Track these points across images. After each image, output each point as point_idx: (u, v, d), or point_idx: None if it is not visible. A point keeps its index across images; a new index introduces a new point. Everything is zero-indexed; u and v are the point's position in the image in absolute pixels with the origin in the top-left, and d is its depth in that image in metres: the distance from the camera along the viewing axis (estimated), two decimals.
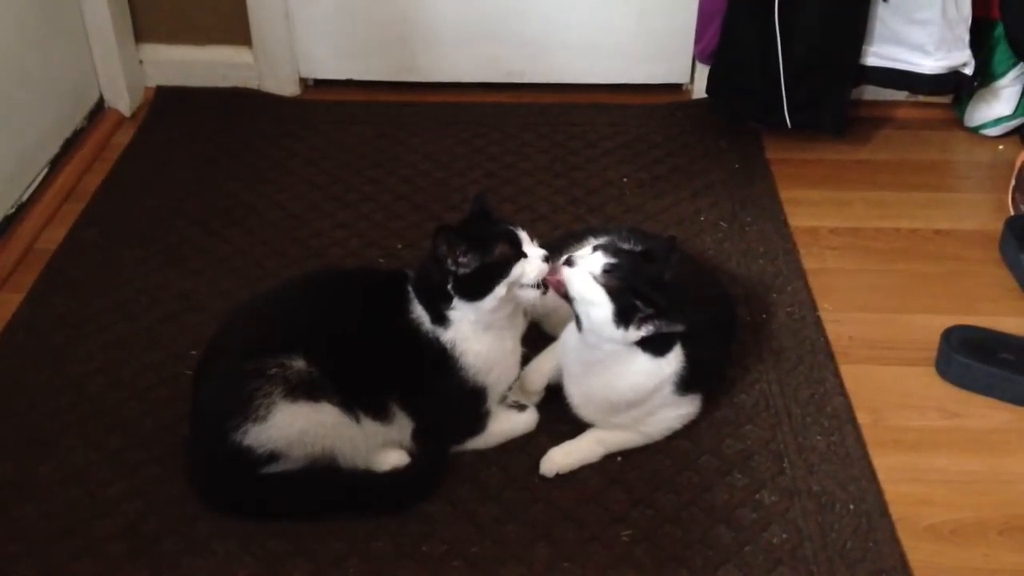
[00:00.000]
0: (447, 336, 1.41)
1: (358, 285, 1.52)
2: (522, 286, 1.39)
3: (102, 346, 1.70)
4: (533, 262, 1.39)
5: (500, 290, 1.38)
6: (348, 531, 1.39)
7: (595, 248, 1.42)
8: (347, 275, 1.65)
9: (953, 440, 1.56)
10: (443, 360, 1.42)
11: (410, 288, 1.44)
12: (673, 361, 1.45)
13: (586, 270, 1.39)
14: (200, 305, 1.78)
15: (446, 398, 1.45)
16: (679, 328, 1.40)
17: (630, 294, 1.37)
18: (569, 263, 1.41)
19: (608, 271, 1.38)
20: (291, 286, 1.58)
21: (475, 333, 1.42)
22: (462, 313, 1.40)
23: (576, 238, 1.68)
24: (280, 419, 1.34)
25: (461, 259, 1.37)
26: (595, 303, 1.38)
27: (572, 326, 1.47)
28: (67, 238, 1.96)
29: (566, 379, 1.51)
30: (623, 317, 1.38)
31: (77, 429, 1.54)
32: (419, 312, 1.42)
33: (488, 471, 1.48)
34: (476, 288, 1.38)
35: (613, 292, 1.37)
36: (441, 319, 1.41)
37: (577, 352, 1.47)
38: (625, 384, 1.44)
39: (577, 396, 1.50)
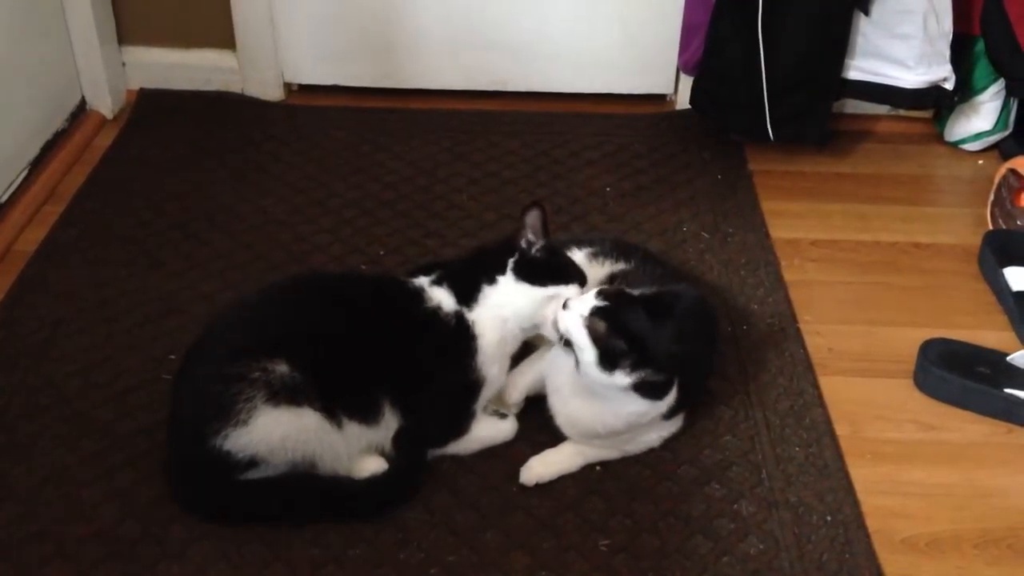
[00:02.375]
0: (471, 315, 1.45)
1: (345, 287, 1.54)
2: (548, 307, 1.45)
3: (80, 348, 1.68)
4: (572, 298, 1.44)
5: (550, 290, 1.45)
6: (325, 538, 1.38)
7: (597, 292, 1.41)
8: (333, 278, 1.67)
9: (930, 453, 1.57)
10: (459, 340, 1.45)
11: (423, 281, 1.49)
12: (665, 401, 1.44)
13: (576, 313, 1.38)
14: (180, 309, 1.77)
15: (444, 388, 1.46)
16: (662, 379, 1.38)
17: (613, 339, 1.36)
18: (565, 306, 1.41)
19: (594, 314, 1.37)
20: (275, 290, 1.58)
21: (494, 322, 1.46)
22: (496, 296, 1.45)
23: (560, 247, 1.68)
24: (262, 424, 1.33)
25: (536, 247, 1.46)
26: (581, 347, 1.38)
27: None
28: (47, 240, 1.95)
29: (552, 396, 1.50)
30: (607, 362, 1.36)
31: (53, 431, 1.53)
32: (438, 296, 1.46)
33: (466, 479, 1.48)
34: (533, 275, 1.46)
35: (595, 336, 1.36)
36: (471, 296, 1.45)
37: (571, 376, 1.45)
38: (615, 419, 1.44)
39: (562, 415, 1.49)
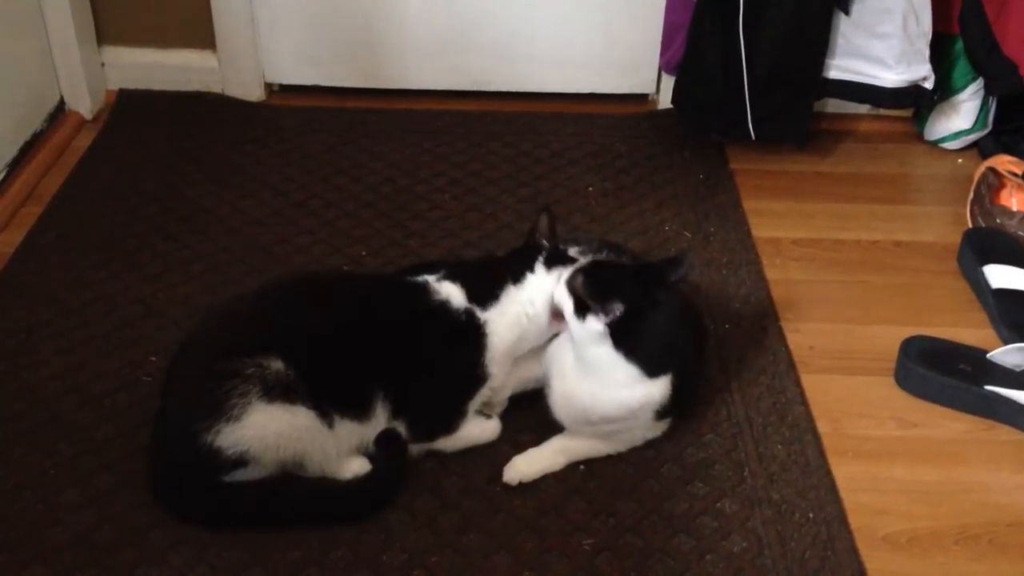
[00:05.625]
0: (484, 314, 1.48)
1: (340, 284, 1.56)
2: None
3: (58, 351, 1.67)
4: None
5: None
6: (306, 540, 1.37)
7: (590, 261, 1.48)
8: (328, 276, 1.70)
9: (911, 450, 1.57)
10: (468, 334, 1.47)
11: (427, 277, 1.51)
12: (660, 388, 1.45)
13: (564, 277, 1.46)
14: (159, 311, 1.76)
15: (443, 381, 1.47)
16: (616, 311, 1.41)
17: (586, 289, 1.41)
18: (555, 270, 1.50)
19: (575, 272, 1.44)
20: (270, 287, 1.59)
21: (513, 320, 1.49)
22: (524, 293, 1.50)
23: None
24: (255, 420, 1.32)
25: (548, 238, 1.54)
26: (564, 303, 1.44)
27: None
28: (24, 242, 1.93)
29: (554, 380, 1.51)
30: (581, 310, 1.42)
31: (30, 435, 1.51)
32: (446, 291, 1.49)
33: (449, 480, 1.47)
34: (564, 263, 1.51)
35: (573, 289, 1.43)
36: (490, 296, 1.49)
37: (574, 356, 1.48)
38: (609, 395, 1.44)
39: (558, 391, 1.49)
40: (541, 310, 1.50)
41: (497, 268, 1.54)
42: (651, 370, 1.43)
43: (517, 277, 1.51)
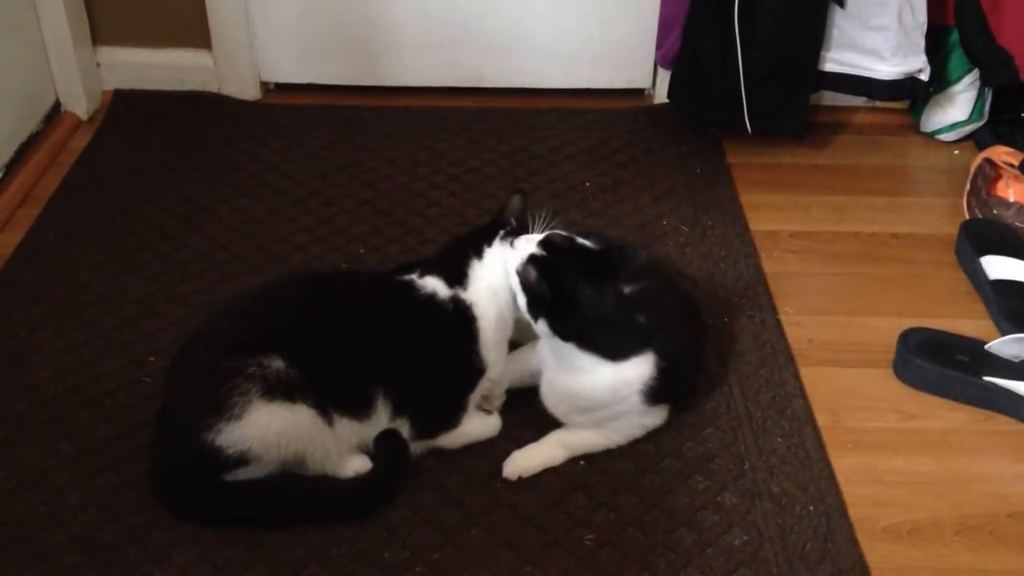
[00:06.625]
0: (467, 296, 1.48)
1: (339, 283, 1.56)
2: None
3: (57, 352, 1.67)
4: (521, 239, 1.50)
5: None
6: (308, 538, 1.37)
7: (542, 239, 1.45)
8: (327, 275, 1.70)
9: (910, 441, 1.58)
10: (459, 324, 1.47)
11: (410, 276, 1.50)
12: (636, 369, 1.45)
13: (518, 256, 1.43)
14: (158, 311, 1.76)
15: (443, 376, 1.47)
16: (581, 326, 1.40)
17: (542, 287, 1.40)
18: (512, 245, 1.47)
19: (528, 262, 1.42)
20: (270, 286, 1.59)
21: (488, 297, 1.48)
22: (486, 269, 1.49)
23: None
24: (256, 418, 1.32)
25: (518, 219, 1.53)
26: (517, 292, 1.44)
27: None
28: (22, 243, 1.93)
29: (543, 370, 1.51)
30: (534, 308, 1.42)
31: (31, 436, 1.52)
32: (431, 285, 1.48)
33: (450, 477, 1.47)
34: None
35: (526, 283, 1.42)
36: (463, 276, 1.48)
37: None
38: (584, 382, 1.45)
39: (546, 385, 1.50)
40: (501, 285, 1.49)
41: (462, 247, 1.53)
42: (610, 354, 1.43)
43: (479, 253, 1.51)
